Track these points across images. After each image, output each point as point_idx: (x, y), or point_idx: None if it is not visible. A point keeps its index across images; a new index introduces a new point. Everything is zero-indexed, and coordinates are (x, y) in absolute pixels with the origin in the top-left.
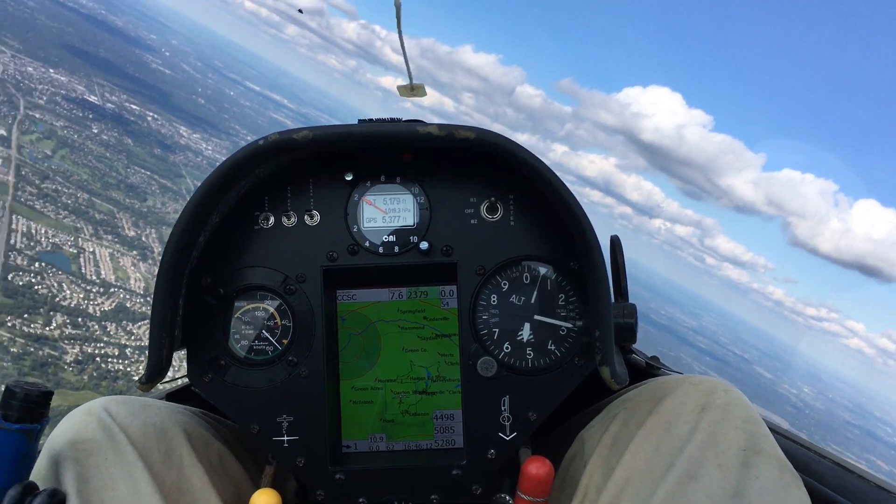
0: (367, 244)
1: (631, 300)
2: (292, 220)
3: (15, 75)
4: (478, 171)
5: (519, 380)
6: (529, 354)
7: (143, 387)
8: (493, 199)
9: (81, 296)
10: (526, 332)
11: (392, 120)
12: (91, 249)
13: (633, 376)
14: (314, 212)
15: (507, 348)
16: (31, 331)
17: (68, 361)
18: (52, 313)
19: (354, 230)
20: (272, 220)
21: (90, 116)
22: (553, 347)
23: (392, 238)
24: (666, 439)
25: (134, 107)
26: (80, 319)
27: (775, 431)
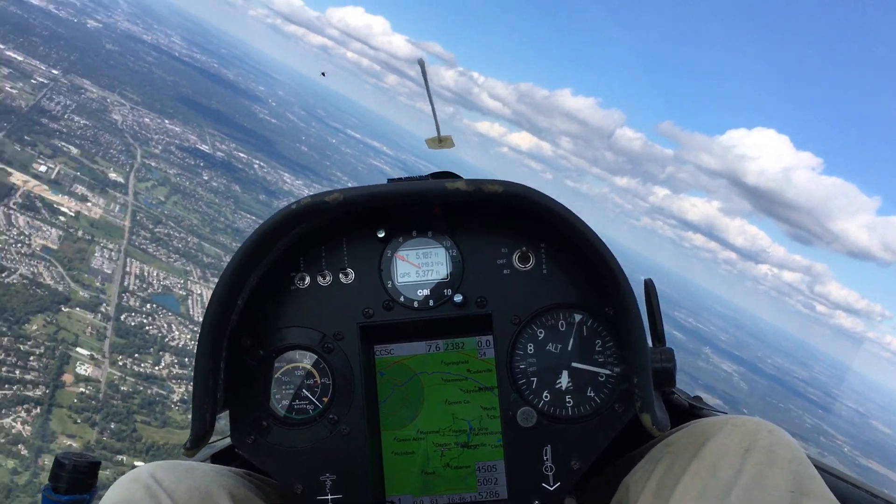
0: (402, 299)
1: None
2: (327, 278)
3: (133, 126)
4: (507, 222)
5: (560, 428)
6: (569, 402)
7: (188, 452)
8: (524, 248)
9: (188, 336)
10: (564, 380)
11: (421, 178)
12: (199, 292)
13: (676, 418)
14: (349, 270)
15: (546, 397)
16: (141, 370)
17: (175, 400)
18: (161, 353)
19: (389, 286)
20: (308, 279)
21: (201, 164)
22: (593, 394)
23: (426, 292)
24: (711, 483)
25: (242, 155)
26: (186, 360)
27: (823, 471)
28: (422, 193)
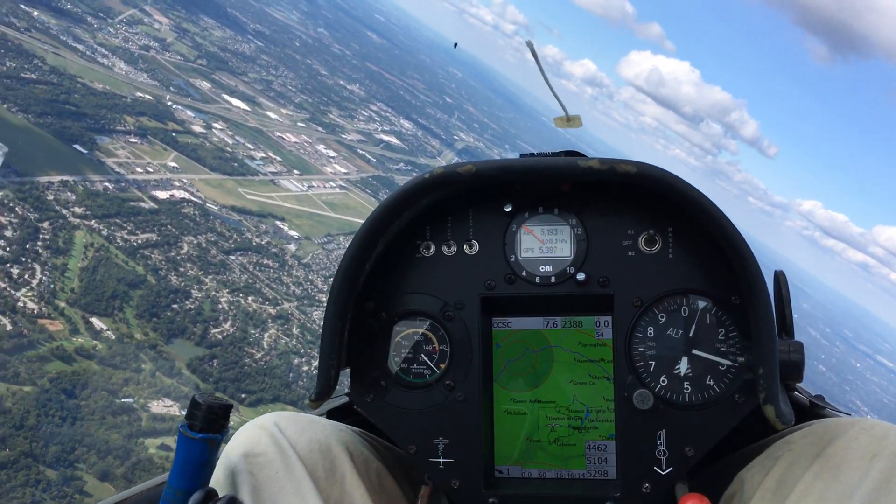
0: (524, 273)
1: None
2: (452, 249)
3: None
4: (636, 204)
5: (676, 414)
6: (687, 389)
7: (312, 404)
8: (651, 231)
9: None
10: (683, 366)
11: (553, 154)
12: None
13: (797, 416)
14: (473, 241)
15: (663, 381)
16: None
17: None
18: None
19: (512, 260)
20: (433, 248)
21: None
22: (712, 383)
23: (549, 268)
24: (833, 486)
25: None
26: None
27: None
28: (554, 169)
